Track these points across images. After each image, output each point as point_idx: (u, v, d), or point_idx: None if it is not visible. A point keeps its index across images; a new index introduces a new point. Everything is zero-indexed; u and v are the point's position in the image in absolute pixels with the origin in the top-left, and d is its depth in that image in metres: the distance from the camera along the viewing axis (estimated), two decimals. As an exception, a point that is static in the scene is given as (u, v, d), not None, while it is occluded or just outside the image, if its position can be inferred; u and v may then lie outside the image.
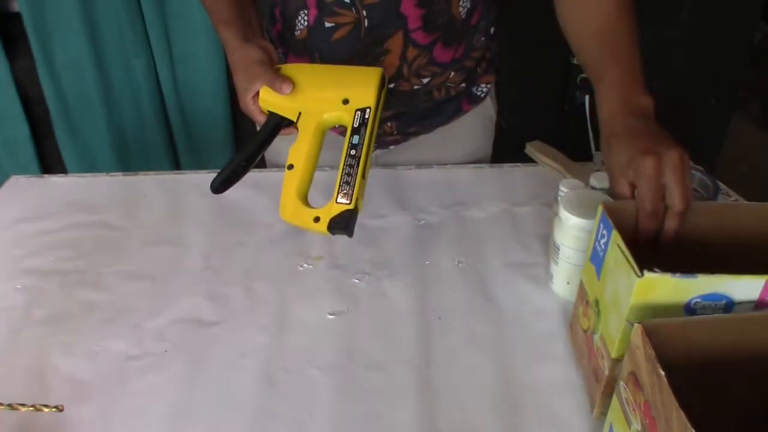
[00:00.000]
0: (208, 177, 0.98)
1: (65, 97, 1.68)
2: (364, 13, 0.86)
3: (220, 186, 0.73)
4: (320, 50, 0.91)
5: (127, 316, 0.75)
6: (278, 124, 0.78)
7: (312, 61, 0.92)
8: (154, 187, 0.97)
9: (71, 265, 0.82)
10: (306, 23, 0.89)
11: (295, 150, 0.75)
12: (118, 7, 1.57)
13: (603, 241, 0.60)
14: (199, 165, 1.80)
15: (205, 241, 0.86)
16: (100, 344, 0.71)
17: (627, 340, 0.53)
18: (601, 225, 0.60)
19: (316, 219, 0.71)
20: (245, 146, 0.75)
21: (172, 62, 1.68)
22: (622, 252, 0.55)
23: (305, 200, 0.74)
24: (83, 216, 0.91)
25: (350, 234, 0.71)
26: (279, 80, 0.77)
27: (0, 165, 1.74)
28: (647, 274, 0.51)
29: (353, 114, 0.75)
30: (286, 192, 0.73)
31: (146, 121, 1.75)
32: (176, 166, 1.85)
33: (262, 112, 0.80)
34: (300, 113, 0.76)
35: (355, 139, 0.73)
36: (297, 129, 0.78)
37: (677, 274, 0.51)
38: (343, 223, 0.70)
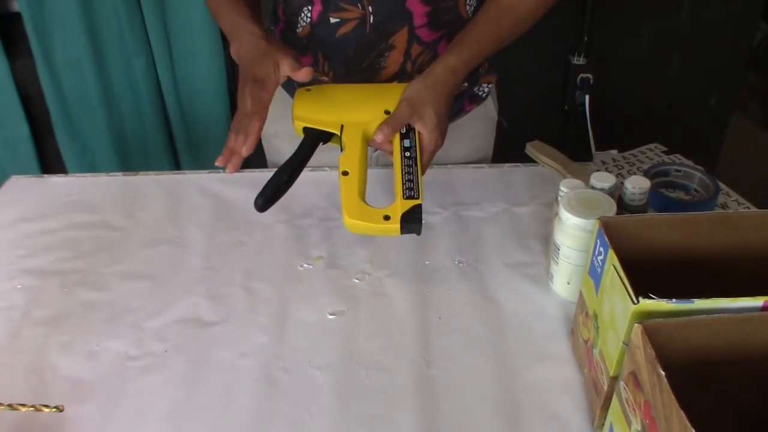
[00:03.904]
0: (208, 177, 0.99)
1: (65, 96, 1.67)
2: (370, 8, 0.86)
3: (264, 205, 0.73)
4: (324, 46, 0.91)
5: (127, 316, 0.75)
6: (317, 138, 0.79)
7: (315, 59, 0.92)
8: (153, 186, 0.97)
9: (71, 265, 0.82)
10: (309, 19, 0.89)
11: (347, 158, 0.77)
12: (118, 7, 1.57)
13: (600, 258, 0.59)
14: (198, 165, 1.80)
15: (205, 241, 0.86)
16: (99, 344, 0.71)
17: (624, 360, 0.53)
18: (598, 241, 0.60)
19: (386, 217, 0.72)
20: (285, 163, 0.76)
21: (171, 62, 1.68)
22: (619, 275, 0.54)
23: (366, 202, 0.75)
24: (83, 216, 0.91)
25: (419, 231, 0.72)
26: (294, 56, 0.77)
27: (0, 165, 1.74)
28: (643, 301, 0.51)
29: None
30: (349, 195, 0.74)
31: (146, 120, 1.75)
32: (176, 165, 1.85)
33: (255, 98, 0.74)
34: (342, 126, 0.79)
35: (407, 142, 0.79)
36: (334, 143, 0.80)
37: (673, 300, 0.51)
38: (414, 218, 0.72)
